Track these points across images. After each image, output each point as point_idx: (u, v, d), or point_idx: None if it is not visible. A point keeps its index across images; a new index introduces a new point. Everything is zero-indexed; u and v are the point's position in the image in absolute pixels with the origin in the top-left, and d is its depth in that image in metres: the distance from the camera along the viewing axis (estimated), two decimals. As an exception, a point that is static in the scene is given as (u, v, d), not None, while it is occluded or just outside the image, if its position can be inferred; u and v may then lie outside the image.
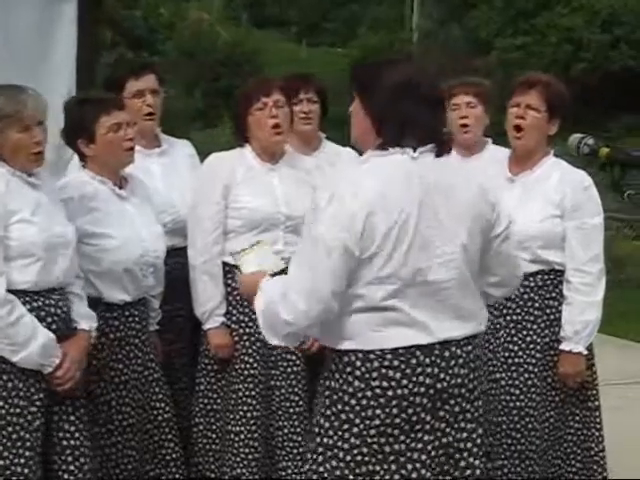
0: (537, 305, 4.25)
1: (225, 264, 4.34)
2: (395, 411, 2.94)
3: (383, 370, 2.96)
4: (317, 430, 3.02)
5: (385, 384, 2.95)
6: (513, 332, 4.26)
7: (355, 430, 2.95)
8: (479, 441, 3.04)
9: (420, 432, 2.96)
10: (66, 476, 3.68)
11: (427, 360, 2.98)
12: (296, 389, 4.38)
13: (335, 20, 35.75)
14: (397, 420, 2.94)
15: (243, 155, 4.46)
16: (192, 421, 4.45)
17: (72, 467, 3.69)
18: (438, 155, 3.01)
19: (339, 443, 2.96)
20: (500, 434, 4.19)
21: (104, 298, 3.98)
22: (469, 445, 3.02)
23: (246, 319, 4.35)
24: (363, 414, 2.95)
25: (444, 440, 2.99)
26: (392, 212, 2.92)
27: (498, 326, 4.27)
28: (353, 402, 2.97)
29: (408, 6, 32.62)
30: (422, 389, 2.97)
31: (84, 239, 3.91)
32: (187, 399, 4.48)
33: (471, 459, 3.02)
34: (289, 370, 4.38)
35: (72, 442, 3.70)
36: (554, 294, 4.26)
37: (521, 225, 4.19)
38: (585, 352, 4.21)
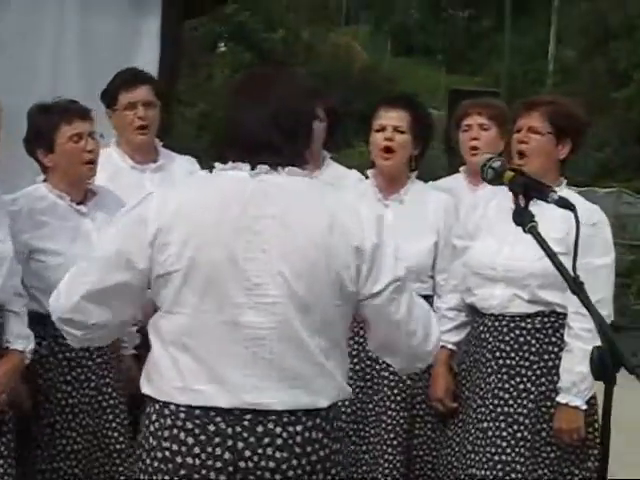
0: (534, 350, 3.80)
1: None
2: None
3: (175, 431, 2.47)
4: None
5: (175, 448, 2.46)
6: (505, 378, 3.81)
7: None
8: None
9: None
10: None
11: (229, 430, 2.44)
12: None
13: (479, 49, 35.30)
14: None
15: None
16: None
17: None
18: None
19: None
20: (482, 491, 3.77)
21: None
22: None
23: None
24: (154, 477, 2.50)
25: None
26: (195, 231, 2.49)
27: (490, 370, 3.84)
28: (147, 461, 2.52)
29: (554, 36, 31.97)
30: (218, 464, 2.44)
31: (32, 254, 3.73)
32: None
33: None
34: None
35: None
36: (554, 339, 3.80)
37: (519, 262, 3.80)
38: (584, 407, 3.74)
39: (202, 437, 2.44)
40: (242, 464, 2.44)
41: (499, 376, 3.82)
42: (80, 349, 3.74)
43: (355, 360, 4.11)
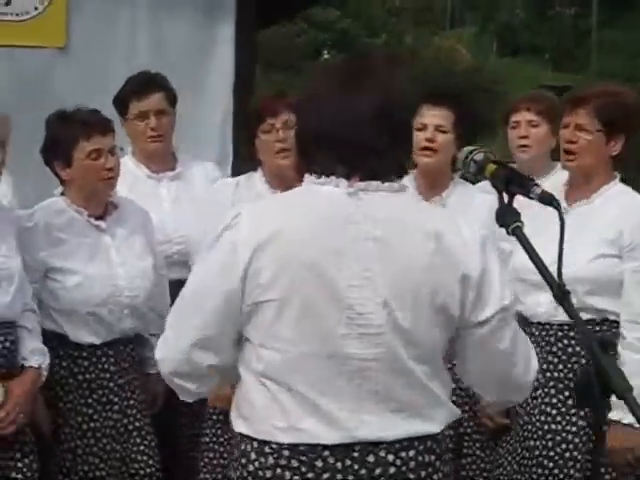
0: (583, 361, 3.49)
1: None
2: None
3: (279, 470, 2.26)
4: None
5: None
6: (553, 392, 3.52)
7: None
8: None
9: None
10: None
11: (339, 464, 2.24)
12: None
13: (585, 46, 34.56)
14: None
15: (251, 180, 3.99)
16: (197, 476, 3.95)
17: None
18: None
19: None
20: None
21: (69, 337, 3.58)
22: None
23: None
24: None
25: None
26: (289, 257, 2.23)
27: (536, 384, 3.52)
28: None
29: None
30: None
31: (48, 273, 3.58)
32: (193, 449, 4.00)
33: None
34: None
35: None
36: (606, 349, 3.50)
37: (564, 265, 3.49)
38: (638, 424, 3.42)
39: (309, 475, 2.25)
40: None
41: (546, 390, 3.53)
42: (99, 370, 3.58)
43: None
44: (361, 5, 29.86)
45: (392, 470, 2.25)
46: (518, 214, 1.98)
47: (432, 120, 3.90)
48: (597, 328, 3.49)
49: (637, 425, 3.33)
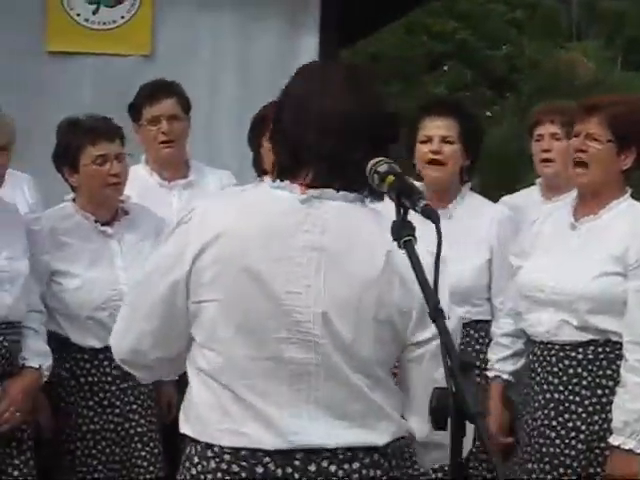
0: (585, 383, 3.38)
1: None
2: None
3: (219, 474, 2.21)
4: None
5: None
6: (552, 414, 3.41)
7: None
8: None
9: None
10: None
11: (279, 471, 2.18)
12: None
13: None
14: None
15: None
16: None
17: None
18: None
19: None
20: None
21: (71, 339, 3.63)
22: None
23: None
24: None
25: None
26: (233, 260, 2.20)
27: (537, 405, 3.45)
28: None
29: None
30: None
31: (52, 276, 3.65)
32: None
33: None
34: None
35: None
36: (609, 371, 3.36)
37: (568, 284, 3.39)
38: (639, 450, 3.28)
39: None
40: None
41: (546, 412, 3.42)
42: (101, 373, 3.62)
43: None
44: (479, 17, 29.55)
45: None
46: (412, 228, 1.91)
47: (437, 132, 3.79)
48: (600, 349, 3.37)
49: (638, 452, 3.26)
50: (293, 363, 2.19)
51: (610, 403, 3.33)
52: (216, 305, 2.21)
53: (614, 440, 3.29)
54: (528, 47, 30.96)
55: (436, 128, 3.78)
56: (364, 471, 2.21)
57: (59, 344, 3.60)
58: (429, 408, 1.77)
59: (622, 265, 3.35)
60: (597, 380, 3.37)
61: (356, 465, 2.21)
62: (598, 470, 3.34)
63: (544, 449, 3.39)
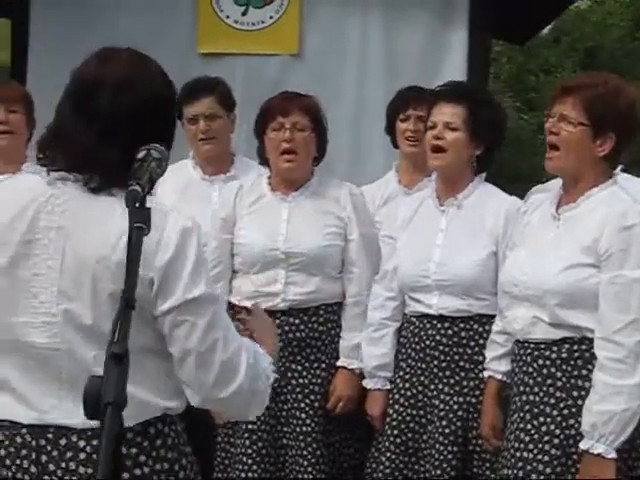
0: (560, 384, 3.16)
1: (230, 304, 3.83)
2: None
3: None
4: None
5: None
6: (528, 417, 3.21)
7: None
8: None
9: None
10: None
11: (34, 443, 2.31)
12: (305, 452, 3.79)
13: None
14: None
15: (259, 183, 3.99)
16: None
17: None
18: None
19: None
20: None
21: None
22: None
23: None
24: None
25: None
26: None
27: (514, 407, 3.27)
28: None
29: None
30: (27, 477, 2.32)
31: None
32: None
33: None
34: (298, 430, 3.83)
35: None
36: (584, 371, 3.13)
37: (537, 277, 3.20)
38: (610, 455, 3.04)
39: (11, 449, 2.35)
40: (47, 478, 2.32)
41: (521, 415, 3.23)
42: None
43: (407, 385, 3.75)
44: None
45: (82, 456, 2.28)
46: (147, 216, 1.88)
47: (441, 117, 3.70)
48: (575, 348, 3.16)
49: (609, 456, 3.04)
50: (34, 347, 2.28)
51: (586, 405, 3.12)
52: None
53: (584, 444, 3.07)
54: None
55: (440, 114, 3.71)
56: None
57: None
58: (83, 396, 1.79)
59: (594, 256, 3.11)
60: (572, 381, 3.15)
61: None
62: (576, 477, 3.13)
63: (518, 454, 3.20)
